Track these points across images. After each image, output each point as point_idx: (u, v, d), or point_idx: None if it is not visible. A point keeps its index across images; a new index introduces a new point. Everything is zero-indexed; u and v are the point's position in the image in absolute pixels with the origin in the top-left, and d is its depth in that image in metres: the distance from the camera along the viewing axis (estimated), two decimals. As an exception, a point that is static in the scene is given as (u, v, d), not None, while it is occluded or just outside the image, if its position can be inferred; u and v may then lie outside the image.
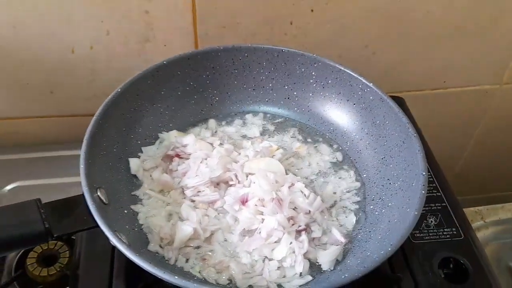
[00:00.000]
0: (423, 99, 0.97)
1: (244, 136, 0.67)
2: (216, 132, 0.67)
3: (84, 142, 0.54)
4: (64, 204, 0.49)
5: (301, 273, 0.52)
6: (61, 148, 0.86)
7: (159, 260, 0.53)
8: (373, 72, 0.90)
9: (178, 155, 0.62)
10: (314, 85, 0.69)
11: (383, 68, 0.90)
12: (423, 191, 0.52)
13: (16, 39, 0.73)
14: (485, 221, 0.84)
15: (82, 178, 0.50)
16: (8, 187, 0.80)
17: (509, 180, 1.18)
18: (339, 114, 0.68)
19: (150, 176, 0.60)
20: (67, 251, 0.71)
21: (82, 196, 0.49)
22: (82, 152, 0.53)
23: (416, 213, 0.50)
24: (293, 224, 0.55)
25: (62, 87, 0.82)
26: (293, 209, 0.56)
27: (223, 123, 0.69)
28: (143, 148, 0.63)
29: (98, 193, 0.51)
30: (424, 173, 0.54)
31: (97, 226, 0.47)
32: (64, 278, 0.69)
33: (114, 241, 0.46)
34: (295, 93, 0.70)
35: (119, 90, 0.60)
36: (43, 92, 0.82)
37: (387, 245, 0.50)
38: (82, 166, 0.51)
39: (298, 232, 0.55)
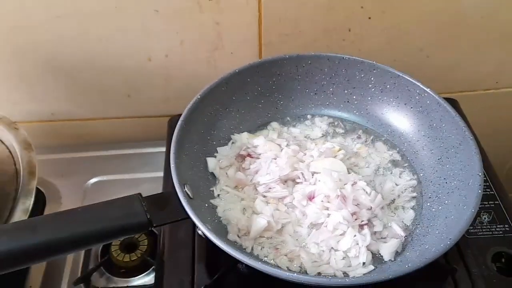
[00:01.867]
0: (475, 100, 1.00)
1: (307, 137, 0.73)
2: (282, 134, 0.73)
3: (172, 143, 0.61)
4: (160, 198, 0.57)
5: (364, 263, 0.58)
6: (135, 147, 0.95)
7: (238, 248, 0.59)
8: (427, 74, 0.93)
9: (249, 155, 0.69)
10: (373, 89, 0.74)
11: (436, 70, 0.93)
12: (479, 191, 0.56)
13: (101, 50, 0.82)
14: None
15: (173, 175, 0.58)
16: (92, 181, 0.90)
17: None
18: (396, 117, 0.73)
19: (226, 173, 0.67)
20: (146, 239, 0.80)
21: (173, 191, 0.57)
22: (171, 152, 0.60)
23: (473, 210, 0.54)
24: (356, 219, 0.61)
25: (139, 91, 0.90)
26: (356, 205, 0.62)
27: (288, 125, 0.75)
28: (218, 149, 0.70)
29: (186, 189, 0.59)
30: (480, 174, 0.58)
31: (189, 217, 0.55)
32: (143, 263, 0.78)
33: (203, 229, 0.53)
34: (354, 97, 0.76)
35: (198, 97, 0.67)
36: (121, 96, 0.91)
37: (445, 239, 0.55)
38: (172, 164, 0.59)
39: (361, 226, 0.60)
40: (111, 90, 0.90)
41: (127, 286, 0.76)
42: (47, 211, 0.85)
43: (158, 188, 0.74)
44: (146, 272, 0.77)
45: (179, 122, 0.63)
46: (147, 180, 0.89)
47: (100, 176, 0.90)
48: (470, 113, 0.86)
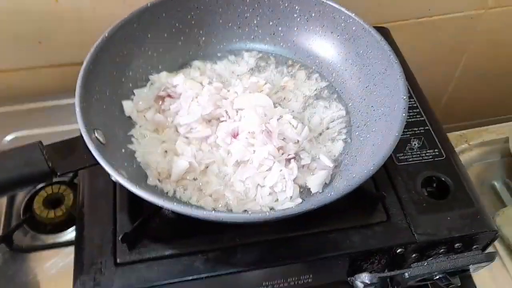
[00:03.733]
0: (409, 29, 0.98)
1: (233, 73, 0.69)
2: (205, 71, 0.69)
3: (77, 87, 0.55)
4: (64, 145, 0.52)
5: (291, 196, 0.56)
6: (54, 98, 0.88)
7: (158, 193, 0.56)
8: (357, 5, 0.90)
9: (169, 95, 0.64)
10: (298, 19, 0.70)
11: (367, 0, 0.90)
12: (403, 114, 0.55)
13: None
14: (469, 144, 0.88)
15: (78, 120, 0.52)
16: (8, 138, 0.83)
17: (493, 105, 1.21)
18: (323, 47, 0.70)
19: (144, 116, 0.62)
20: (71, 194, 0.76)
21: (80, 137, 0.52)
22: (76, 96, 0.54)
23: (396, 134, 0.53)
24: (282, 154, 0.58)
25: (50, 37, 0.82)
26: (282, 139, 0.59)
27: (211, 62, 0.71)
28: (135, 91, 0.65)
29: (96, 134, 0.54)
30: (404, 97, 0.56)
31: (98, 163, 0.50)
32: (69, 218, 0.74)
33: (114, 175, 0.49)
34: (280, 28, 0.71)
35: (106, 35, 0.61)
36: (32, 43, 0.82)
37: (371, 165, 0.53)
38: (77, 109, 0.53)
39: (288, 161, 0.58)
40: (19, 37, 0.82)
41: (54, 242, 0.72)
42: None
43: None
44: (74, 227, 0.73)
45: (84, 64, 0.57)
46: (70, 133, 0.82)
47: (16, 132, 0.83)
48: (404, 43, 0.84)
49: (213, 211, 0.46)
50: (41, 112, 0.86)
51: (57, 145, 0.51)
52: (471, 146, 0.88)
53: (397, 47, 0.81)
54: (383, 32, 0.82)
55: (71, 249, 0.70)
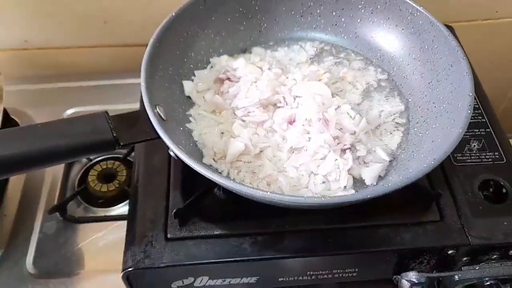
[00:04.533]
0: (474, 30, 0.95)
1: (291, 61, 0.69)
2: (264, 58, 0.69)
3: (143, 62, 0.57)
4: (128, 117, 0.53)
5: (345, 186, 0.55)
6: (115, 77, 0.91)
7: (213, 172, 0.57)
8: (422, 2, 0.88)
9: (228, 78, 0.65)
10: (363, 11, 0.69)
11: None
12: (468, 111, 0.53)
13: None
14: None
15: (143, 94, 0.54)
16: (67, 113, 0.86)
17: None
18: (387, 40, 0.69)
19: (203, 97, 0.63)
20: (124, 170, 0.78)
21: (143, 111, 0.53)
22: (142, 71, 0.56)
23: (460, 130, 0.51)
24: (338, 143, 0.58)
25: (116, 17, 0.85)
26: (339, 129, 0.59)
27: (272, 49, 0.71)
28: (195, 72, 0.66)
29: (157, 110, 0.55)
30: (471, 94, 0.54)
31: (159, 137, 0.51)
32: (121, 193, 0.76)
33: (175, 149, 0.50)
34: (342, 19, 0.71)
35: (173, 14, 0.62)
36: (98, 23, 0.85)
37: (431, 160, 0.52)
38: (142, 84, 0.55)
39: (343, 151, 0.58)
40: (86, 16, 0.85)
41: (105, 215, 0.75)
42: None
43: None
44: (125, 203, 0.75)
45: (151, 40, 0.59)
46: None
47: (77, 107, 0.86)
48: (467, 44, 0.82)
49: (268, 192, 0.46)
50: (100, 89, 0.89)
51: (122, 117, 0.53)
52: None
53: (461, 45, 0.78)
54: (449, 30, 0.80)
55: (121, 223, 0.73)
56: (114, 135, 0.50)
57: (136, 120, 0.53)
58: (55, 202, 0.74)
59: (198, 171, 0.49)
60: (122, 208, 0.75)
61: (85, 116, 0.51)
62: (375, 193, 0.47)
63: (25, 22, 0.85)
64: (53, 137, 0.47)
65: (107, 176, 0.77)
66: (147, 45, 0.80)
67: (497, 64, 1.04)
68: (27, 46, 0.88)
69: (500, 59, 1.03)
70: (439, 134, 0.57)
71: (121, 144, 0.50)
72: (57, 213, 0.72)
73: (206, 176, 0.48)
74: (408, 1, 0.65)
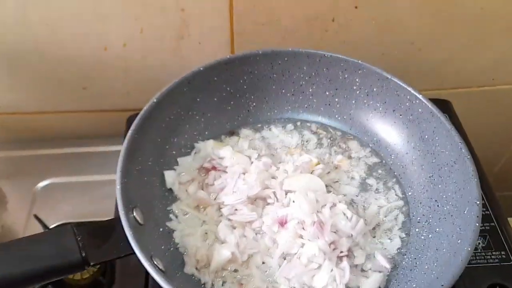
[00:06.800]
0: (469, 97, 0.92)
1: (282, 143, 0.64)
2: (253, 141, 0.64)
3: (120, 160, 0.52)
4: (100, 228, 0.48)
5: (342, 303, 0.50)
6: (94, 144, 0.85)
7: (195, 283, 0.51)
8: (418, 70, 0.85)
9: (214, 168, 0.60)
10: (358, 92, 0.65)
11: (428, 65, 0.85)
12: (477, 223, 0.48)
13: (50, 37, 0.71)
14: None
15: (118, 200, 0.49)
16: (41, 184, 0.80)
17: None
18: (383, 125, 0.65)
19: (186, 190, 0.58)
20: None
21: (118, 219, 0.48)
22: (118, 171, 0.51)
23: (469, 249, 0.47)
24: (334, 249, 0.53)
25: (95, 83, 0.80)
26: (335, 232, 0.54)
27: (261, 130, 0.66)
28: (179, 159, 0.61)
29: (134, 213, 0.50)
30: (478, 202, 0.50)
31: (133, 253, 0.46)
32: (95, 282, 0.69)
33: (150, 270, 0.45)
34: (336, 99, 0.67)
35: (154, 100, 0.57)
36: (76, 88, 0.80)
37: (435, 280, 0.47)
38: (118, 187, 0.49)
39: (340, 258, 0.52)
40: (64, 82, 0.79)
41: (77, 306, 0.68)
42: (-9, 217, 0.75)
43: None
44: (99, 293, 0.69)
45: (129, 133, 0.54)
46: (106, 183, 0.80)
47: (51, 178, 0.80)
48: (463, 110, 0.79)
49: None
50: (78, 158, 0.83)
51: (93, 229, 0.47)
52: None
53: (458, 121, 0.75)
54: (445, 105, 0.77)
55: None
56: (83, 255, 0.44)
57: (110, 231, 0.47)
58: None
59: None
60: (96, 298, 0.69)
61: (51, 231, 0.45)
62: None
63: (-3, 86, 0.79)
64: (12, 263, 0.41)
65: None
66: (128, 110, 0.76)
67: (492, 127, 1.01)
68: (-1, 110, 0.82)
69: (495, 122, 1.00)
70: (444, 242, 0.52)
71: (91, 264, 0.44)
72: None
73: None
74: (406, 86, 0.61)
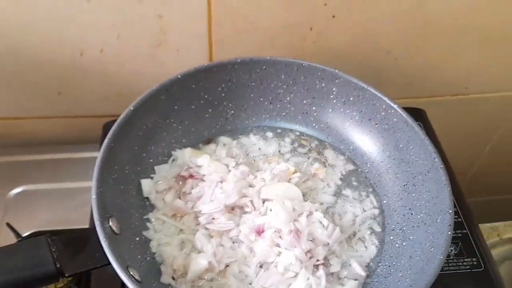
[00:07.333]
0: (443, 105, 0.94)
1: (260, 151, 0.65)
2: (231, 148, 0.64)
3: (95, 169, 0.51)
4: (75, 238, 0.47)
5: (318, 311, 0.51)
6: (69, 150, 0.84)
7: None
8: (393, 78, 0.87)
9: (191, 176, 0.60)
10: (334, 101, 0.66)
11: (404, 73, 0.86)
12: (449, 232, 0.50)
13: (24, 39, 0.70)
14: (501, 238, 0.83)
15: (94, 210, 0.48)
16: (15, 191, 0.78)
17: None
18: (359, 133, 0.65)
19: (163, 199, 0.58)
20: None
21: (93, 229, 0.47)
22: (93, 181, 0.50)
23: (441, 257, 0.48)
24: (311, 257, 0.53)
25: (71, 89, 0.79)
26: (311, 240, 0.54)
27: (238, 137, 0.66)
28: (155, 167, 0.60)
29: (110, 223, 0.49)
30: (450, 211, 0.51)
31: (109, 263, 0.45)
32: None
33: (126, 280, 0.44)
34: (313, 108, 0.67)
35: (131, 108, 0.57)
36: (51, 93, 0.79)
37: (408, 286, 0.48)
38: (94, 197, 0.49)
39: (316, 267, 0.53)
40: (39, 86, 0.78)
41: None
42: (-40, 225, 0.73)
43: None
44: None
45: (105, 141, 0.53)
46: (82, 191, 0.78)
47: (25, 185, 0.78)
48: (437, 118, 0.80)
49: None
50: (52, 164, 0.81)
51: (68, 239, 0.46)
52: (503, 241, 0.82)
53: (432, 129, 0.77)
54: (420, 114, 0.78)
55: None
56: (57, 266, 0.43)
57: (85, 241, 0.47)
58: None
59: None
60: (70, 308, 0.68)
61: (25, 243, 0.44)
62: None
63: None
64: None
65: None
66: (106, 116, 0.76)
67: (465, 134, 1.04)
68: (-31, 115, 0.81)
69: (468, 129, 1.03)
70: (417, 250, 0.53)
71: (66, 275, 0.44)
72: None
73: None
74: (382, 96, 0.62)
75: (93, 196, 0.49)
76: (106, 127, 0.72)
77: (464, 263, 0.60)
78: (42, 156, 0.82)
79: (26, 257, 0.43)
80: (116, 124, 0.55)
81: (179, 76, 0.61)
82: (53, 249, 0.44)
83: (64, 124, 0.84)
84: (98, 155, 0.52)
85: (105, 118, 0.75)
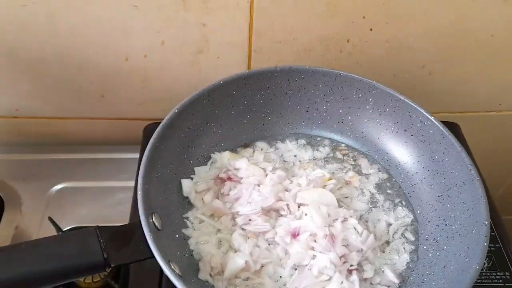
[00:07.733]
0: (476, 121, 0.94)
1: (295, 158, 0.66)
2: (268, 154, 0.66)
3: (142, 166, 0.54)
4: (120, 232, 0.49)
5: (351, 316, 0.52)
6: (108, 151, 0.87)
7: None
8: (427, 92, 0.88)
9: (230, 178, 0.62)
10: (371, 111, 0.67)
11: (438, 88, 0.87)
12: (485, 243, 0.50)
13: (72, 45, 0.74)
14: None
15: (139, 205, 0.50)
16: (56, 188, 0.81)
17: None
18: (394, 144, 0.66)
19: (202, 199, 0.60)
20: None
21: (137, 224, 0.49)
22: (140, 177, 0.52)
23: (477, 267, 0.48)
24: (344, 262, 0.54)
25: (114, 92, 0.82)
26: (345, 245, 0.55)
27: (275, 143, 0.68)
28: (195, 169, 0.63)
29: (153, 219, 0.51)
30: (486, 223, 0.52)
31: (153, 256, 0.47)
32: (106, 286, 0.71)
33: (168, 273, 0.46)
34: (349, 117, 0.69)
35: (176, 111, 0.60)
36: (94, 96, 0.82)
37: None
38: (139, 193, 0.51)
39: (350, 272, 0.54)
40: (83, 89, 0.82)
41: (88, 310, 0.69)
42: (5, 218, 0.77)
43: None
44: (109, 297, 0.70)
45: (151, 141, 0.56)
46: (120, 190, 0.82)
47: (66, 182, 0.82)
48: (470, 133, 0.81)
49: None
50: (94, 163, 0.85)
51: (114, 232, 0.49)
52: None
53: (466, 143, 0.77)
54: (455, 128, 0.79)
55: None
56: (105, 256, 0.46)
57: (130, 235, 0.49)
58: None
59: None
60: (106, 302, 0.70)
61: (75, 233, 0.47)
62: None
63: (17, 90, 0.81)
64: (39, 261, 0.43)
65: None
66: (144, 119, 0.78)
67: (497, 152, 1.03)
68: (17, 114, 0.84)
69: (500, 147, 1.02)
70: (452, 260, 0.53)
71: (112, 265, 0.46)
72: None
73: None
74: (419, 108, 0.63)
75: (139, 192, 0.51)
76: (147, 130, 0.74)
77: (497, 277, 0.60)
78: (83, 155, 0.86)
79: (76, 246, 0.46)
80: (161, 125, 0.58)
81: (221, 82, 0.63)
82: (101, 240, 0.47)
83: (106, 126, 0.87)
84: (144, 153, 0.55)
85: (144, 122, 0.78)
